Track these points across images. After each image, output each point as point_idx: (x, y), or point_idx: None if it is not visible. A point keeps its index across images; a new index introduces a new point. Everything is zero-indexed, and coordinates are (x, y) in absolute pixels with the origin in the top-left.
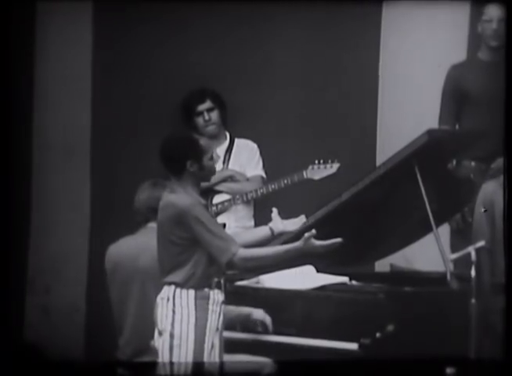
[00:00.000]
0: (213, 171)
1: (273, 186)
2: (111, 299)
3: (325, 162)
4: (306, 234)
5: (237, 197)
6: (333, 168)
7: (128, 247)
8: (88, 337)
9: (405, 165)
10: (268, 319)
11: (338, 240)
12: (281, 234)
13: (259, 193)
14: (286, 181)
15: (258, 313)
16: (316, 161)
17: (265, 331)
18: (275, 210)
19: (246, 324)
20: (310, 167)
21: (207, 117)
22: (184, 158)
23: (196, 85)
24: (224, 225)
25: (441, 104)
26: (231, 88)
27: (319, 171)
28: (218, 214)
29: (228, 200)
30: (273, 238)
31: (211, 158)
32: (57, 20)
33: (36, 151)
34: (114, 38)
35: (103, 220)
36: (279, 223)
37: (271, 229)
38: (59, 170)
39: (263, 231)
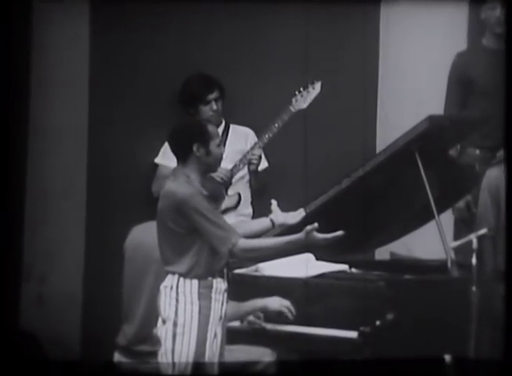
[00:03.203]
0: (220, 160)
1: (267, 136)
2: (123, 283)
3: (305, 88)
4: (308, 227)
5: (237, 163)
6: (315, 88)
7: (150, 233)
8: (84, 325)
9: (406, 152)
10: (285, 307)
11: (340, 233)
12: (281, 226)
13: (256, 148)
14: (277, 124)
15: (274, 303)
16: (296, 92)
17: (286, 318)
18: (274, 202)
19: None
20: (293, 99)
21: (215, 107)
22: (190, 141)
23: (192, 72)
24: (239, 195)
25: (446, 92)
26: (226, 75)
27: (303, 99)
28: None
29: (232, 168)
30: (273, 230)
31: (219, 145)
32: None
33: (32, 136)
34: (112, 27)
35: (100, 206)
36: (279, 215)
37: (272, 220)
38: (55, 155)
39: (264, 223)
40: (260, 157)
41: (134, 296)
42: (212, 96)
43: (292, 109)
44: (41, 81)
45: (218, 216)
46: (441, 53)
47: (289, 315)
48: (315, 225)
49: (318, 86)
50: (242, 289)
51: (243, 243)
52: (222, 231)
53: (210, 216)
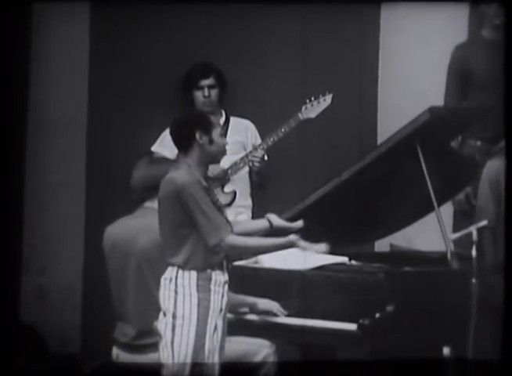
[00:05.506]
0: (223, 150)
1: (272, 139)
2: (109, 281)
3: (316, 98)
4: (292, 237)
5: (238, 161)
6: (326, 100)
7: (125, 228)
8: (84, 317)
9: (407, 143)
10: (275, 307)
11: (325, 246)
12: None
13: (259, 150)
14: (283, 129)
15: (264, 304)
16: (307, 100)
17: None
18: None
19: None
20: (303, 107)
21: (206, 94)
22: (193, 128)
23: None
24: (234, 193)
25: (446, 84)
26: (227, 69)
27: (313, 109)
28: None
29: (232, 166)
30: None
31: (221, 135)
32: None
33: (31, 127)
34: (112, 21)
35: (99, 198)
36: (277, 218)
37: (269, 221)
38: (54, 146)
39: (261, 223)
40: (263, 158)
41: (123, 294)
42: (206, 82)
43: (300, 116)
44: (41, 74)
45: (212, 209)
46: (442, 49)
47: (280, 313)
48: (300, 223)
49: (329, 98)
50: (242, 281)
51: (232, 239)
52: (213, 224)
53: (204, 207)
